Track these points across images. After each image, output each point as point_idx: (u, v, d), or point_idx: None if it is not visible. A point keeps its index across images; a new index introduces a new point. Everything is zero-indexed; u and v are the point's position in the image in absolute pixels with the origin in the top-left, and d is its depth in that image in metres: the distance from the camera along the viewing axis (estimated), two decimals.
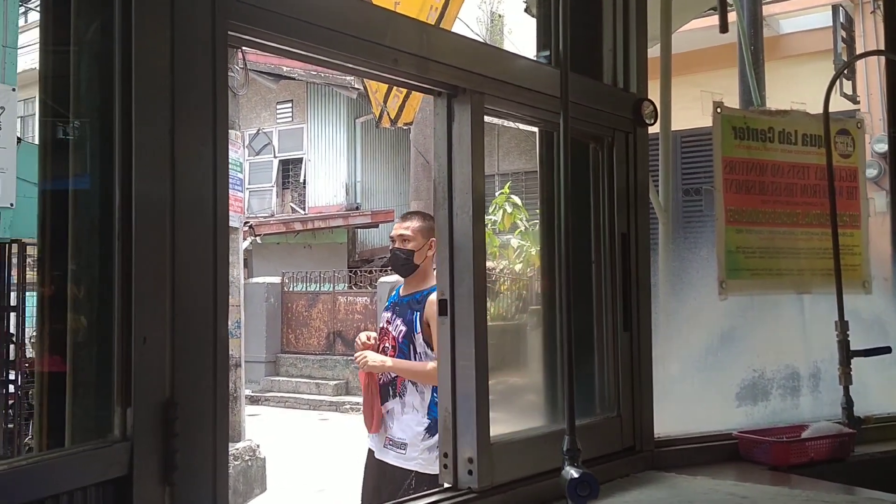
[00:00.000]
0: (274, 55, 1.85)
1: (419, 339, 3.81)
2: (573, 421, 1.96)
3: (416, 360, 3.82)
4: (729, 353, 2.92)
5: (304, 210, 18.34)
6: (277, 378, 15.06)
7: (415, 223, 4.04)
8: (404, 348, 3.84)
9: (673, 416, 2.72)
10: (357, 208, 17.87)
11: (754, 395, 2.93)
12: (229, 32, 1.59)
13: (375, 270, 16.42)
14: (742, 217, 2.90)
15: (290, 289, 15.97)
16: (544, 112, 2.36)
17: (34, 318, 8.00)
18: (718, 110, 2.91)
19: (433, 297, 3.62)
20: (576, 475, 1.84)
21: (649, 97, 2.69)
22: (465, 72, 2.13)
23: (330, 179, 18.22)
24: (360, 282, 15.78)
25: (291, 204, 18.67)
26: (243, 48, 8.52)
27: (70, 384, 1.43)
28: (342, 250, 17.91)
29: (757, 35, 4.91)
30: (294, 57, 1.84)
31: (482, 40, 13.42)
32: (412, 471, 3.75)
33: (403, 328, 3.88)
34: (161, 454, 1.41)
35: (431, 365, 3.66)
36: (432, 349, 3.67)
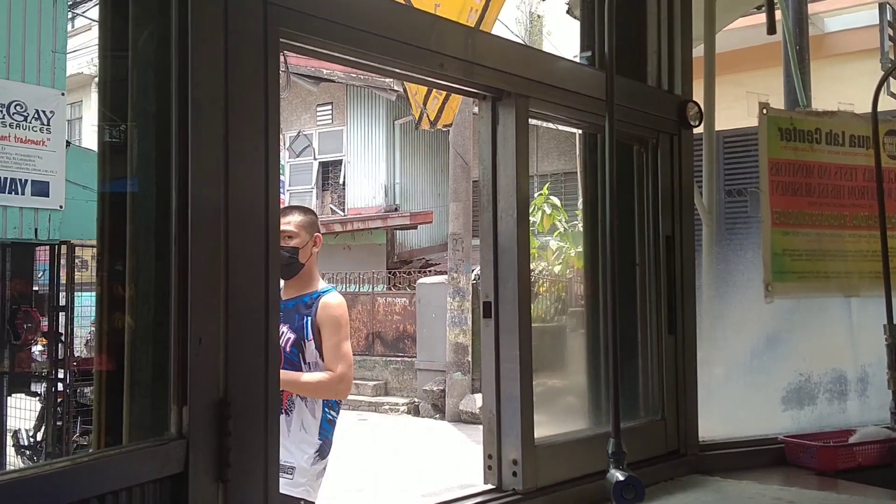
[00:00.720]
0: (322, 60, 1.87)
1: (310, 347, 3.38)
2: (618, 424, 1.96)
3: (306, 370, 3.38)
4: (774, 357, 2.89)
5: (344, 212, 18.46)
6: None
7: (296, 217, 3.49)
8: (293, 358, 3.37)
9: (717, 420, 2.70)
10: (396, 210, 17.94)
11: (800, 399, 2.89)
12: (280, 39, 1.62)
13: (414, 272, 16.47)
14: (788, 219, 2.87)
15: None
16: (588, 114, 2.36)
17: (83, 318, 8.17)
18: (764, 111, 2.88)
19: (326, 298, 3.40)
20: (621, 478, 1.84)
21: (693, 98, 2.68)
22: (509, 75, 2.14)
23: (369, 181, 18.32)
24: (399, 283, 15.83)
25: (331, 205, 18.81)
26: (284, 51, 8.61)
27: (127, 383, 1.47)
28: (381, 251, 17.99)
29: (802, 34, 4.85)
30: (342, 62, 1.86)
31: (522, 42, 13.39)
32: (300, 499, 3.39)
33: (292, 336, 3.39)
34: (215, 452, 1.44)
35: (321, 376, 3.32)
36: (323, 359, 3.35)
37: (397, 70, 1.99)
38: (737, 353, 2.87)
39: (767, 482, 2.48)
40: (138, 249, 1.51)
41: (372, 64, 1.91)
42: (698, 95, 2.79)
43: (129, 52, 1.52)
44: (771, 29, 3.00)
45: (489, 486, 2.12)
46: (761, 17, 3.41)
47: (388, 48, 1.87)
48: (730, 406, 2.81)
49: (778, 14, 4.18)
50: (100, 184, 1.53)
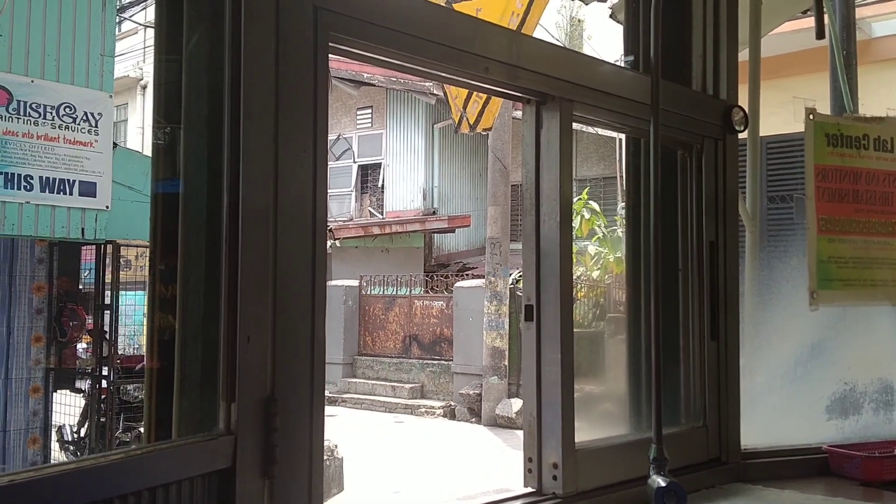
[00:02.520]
0: (370, 63, 1.90)
1: None
2: (660, 430, 1.95)
3: None
4: (819, 365, 2.85)
5: (382, 214, 18.55)
6: (354, 380, 15.26)
7: None
8: None
9: (760, 428, 2.67)
10: (434, 213, 17.99)
11: (845, 408, 2.85)
12: (329, 43, 1.65)
13: (451, 275, 16.48)
14: (835, 226, 2.83)
15: (368, 292, 16.16)
16: (632, 118, 2.36)
17: (127, 317, 8.31)
18: (811, 116, 2.84)
19: None
20: (663, 484, 1.84)
21: (738, 103, 2.66)
22: (554, 79, 2.14)
23: (408, 184, 18.39)
24: (437, 286, 15.86)
25: (370, 208, 18.92)
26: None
27: (177, 379, 1.50)
28: (419, 254, 18.04)
29: (849, 38, 4.77)
30: (389, 66, 1.88)
31: (576, 50, 13.36)
32: None
33: None
34: (262, 448, 1.47)
35: None
36: None
37: (443, 74, 2.00)
38: (780, 360, 2.84)
39: (810, 492, 2.45)
40: (189, 248, 1.54)
41: (418, 67, 1.93)
42: (743, 100, 2.77)
43: (182, 56, 1.55)
44: (820, 33, 2.96)
45: (529, 490, 2.12)
46: (804, 22, 3.38)
47: (434, 52, 1.89)
48: (772, 414, 2.77)
49: (825, 19, 4.13)
50: (153, 184, 1.57)
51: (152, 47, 1.62)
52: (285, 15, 1.55)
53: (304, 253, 1.57)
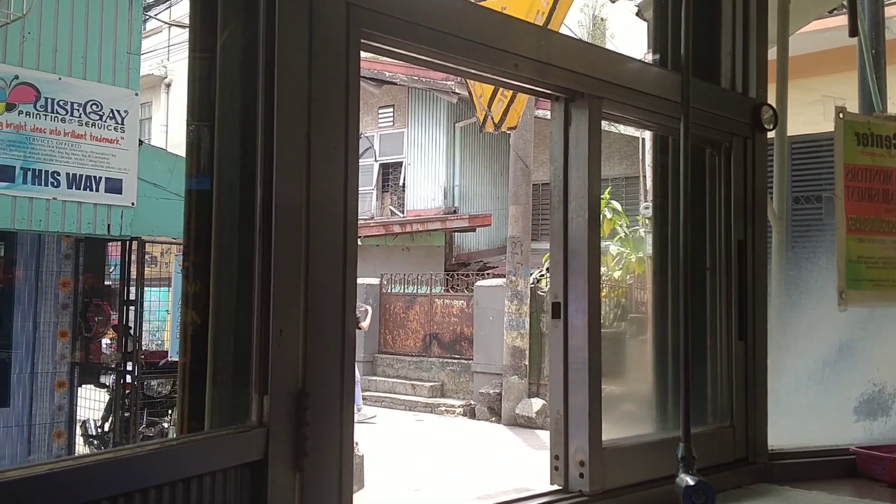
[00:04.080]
0: (400, 60, 1.90)
1: None
2: (688, 428, 1.95)
3: None
4: (847, 366, 2.83)
5: (403, 213, 18.59)
6: (374, 378, 15.31)
7: None
8: None
9: (787, 429, 2.65)
10: (455, 212, 17.99)
11: (873, 409, 2.82)
12: (361, 39, 1.65)
13: (472, 274, 16.48)
14: (864, 226, 2.80)
15: (389, 290, 16.21)
16: (661, 116, 2.35)
17: (151, 313, 8.37)
18: (841, 115, 2.82)
19: None
20: (691, 483, 1.83)
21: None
22: (583, 76, 2.14)
23: (429, 183, 18.41)
24: (457, 285, 15.87)
25: (391, 207, 18.96)
26: None
27: (210, 372, 1.52)
28: (439, 253, 18.06)
29: (878, 37, 4.72)
30: (419, 63, 1.89)
31: (591, 43, 13.30)
32: None
33: None
34: (293, 441, 1.48)
35: None
36: None
37: (473, 70, 2.00)
38: (808, 360, 2.82)
39: (838, 493, 2.43)
40: (222, 244, 1.56)
41: (448, 64, 1.93)
42: (771, 99, 2.75)
43: (216, 52, 1.57)
44: (853, 31, 2.94)
45: (555, 487, 2.12)
46: (829, 22, 3.35)
47: (464, 48, 1.89)
48: (800, 415, 2.76)
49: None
50: (187, 181, 1.58)
51: (185, 44, 1.63)
52: (318, 12, 1.55)
53: (335, 248, 1.58)
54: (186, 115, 1.59)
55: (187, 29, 1.61)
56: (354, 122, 1.63)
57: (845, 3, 4.70)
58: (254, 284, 1.48)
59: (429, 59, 1.88)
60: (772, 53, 3.14)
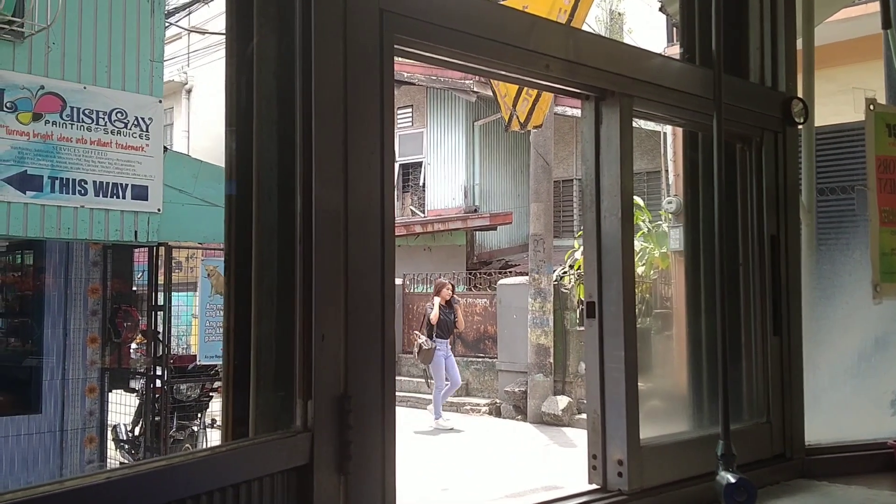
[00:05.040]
0: (433, 64, 1.91)
1: None
2: (728, 425, 1.94)
3: None
4: (884, 359, 2.81)
5: (424, 213, 18.61)
6: (399, 378, 15.33)
7: None
8: None
9: (824, 424, 2.63)
10: (475, 211, 17.99)
11: None
12: (395, 45, 1.66)
13: (494, 272, 16.48)
14: None
15: (411, 290, 16.23)
16: (691, 112, 2.34)
17: (179, 318, 8.44)
18: (872, 107, 2.80)
19: None
20: (733, 480, 1.83)
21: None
22: (613, 74, 2.14)
23: (449, 182, 18.42)
24: (479, 283, 15.87)
25: (411, 207, 18.99)
26: None
27: (253, 378, 1.53)
28: (461, 252, 18.07)
29: None
30: (452, 66, 1.90)
31: (619, 41, 13.26)
32: None
33: None
34: (337, 445, 1.49)
35: None
36: None
37: (503, 72, 2.01)
38: (843, 355, 2.80)
39: (878, 487, 2.41)
40: (263, 250, 1.57)
41: (479, 67, 1.94)
42: (798, 92, 2.73)
43: (254, 60, 1.58)
44: (886, 23, 2.91)
45: (594, 486, 2.12)
46: (853, 11, 3.31)
47: (495, 50, 1.89)
48: (837, 409, 2.74)
49: (877, 6, 4.04)
50: (227, 186, 1.60)
51: (205, 50, 1.65)
52: (352, 18, 1.57)
53: (373, 253, 1.59)
54: (225, 121, 1.60)
55: (210, 34, 1.62)
56: (390, 127, 1.64)
57: None
58: (295, 290, 1.50)
59: (461, 62, 1.89)
60: (798, 45, 3.12)
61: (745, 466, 2.31)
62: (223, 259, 1.63)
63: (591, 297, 2.18)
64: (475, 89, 15.91)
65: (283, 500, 1.42)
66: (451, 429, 11.94)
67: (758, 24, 2.65)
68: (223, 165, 1.64)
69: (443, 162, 18.52)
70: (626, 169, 2.16)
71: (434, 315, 12.36)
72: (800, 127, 2.79)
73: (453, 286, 13.08)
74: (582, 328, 10.33)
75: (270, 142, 1.59)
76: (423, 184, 18.85)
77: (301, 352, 1.46)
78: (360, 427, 1.53)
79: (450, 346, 12.74)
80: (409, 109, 18.93)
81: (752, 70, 2.65)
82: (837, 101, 4.73)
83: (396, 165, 18.99)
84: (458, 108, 18.18)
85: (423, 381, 15.00)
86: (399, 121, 19.08)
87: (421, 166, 18.89)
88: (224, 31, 1.65)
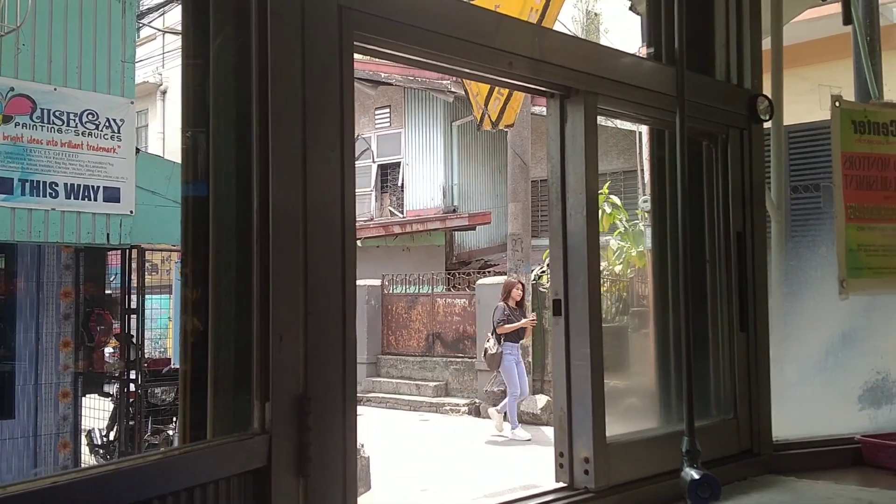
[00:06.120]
0: (394, 61, 1.90)
1: None
2: (692, 422, 1.95)
3: None
4: (850, 355, 2.82)
5: (403, 213, 18.58)
6: (378, 379, 15.30)
7: None
8: None
9: (791, 419, 2.65)
10: (454, 211, 17.98)
11: (878, 397, 2.82)
12: (354, 42, 1.65)
13: (473, 272, 16.48)
14: (863, 214, 2.79)
15: (390, 291, 16.20)
16: (657, 110, 2.34)
17: (153, 321, 8.37)
18: (837, 104, 2.81)
19: None
20: (697, 476, 1.83)
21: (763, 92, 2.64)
22: (578, 72, 2.14)
23: (427, 183, 18.40)
24: (459, 284, 15.86)
25: (390, 208, 18.95)
26: None
27: (211, 380, 1.51)
28: (440, 252, 18.05)
29: (873, 24, 4.71)
30: (414, 64, 1.89)
31: (585, 39, 13.29)
32: None
33: None
34: (296, 447, 1.47)
35: None
36: None
37: (467, 70, 2.00)
38: (811, 350, 2.81)
39: (845, 482, 2.42)
40: (220, 251, 1.55)
41: (442, 64, 1.93)
42: (766, 89, 2.75)
43: (210, 59, 1.56)
44: (846, 19, 2.94)
45: (561, 484, 2.12)
46: (826, 10, 3.35)
47: (457, 48, 1.89)
48: (804, 405, 2.75)
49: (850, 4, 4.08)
50: (183, 188, 1.58)
51: (179, 51, 1.63)
52: (310, 15, 1.55)
53: (333, 251, 1.57)
54: (181, 122, 1.58)
55: (180, 36, 1.61)
56: (350, 124, 1.63)
57: None
58: (253, 291, 1.48)
59: (423, 59, 1.88)
60: (766, 43, 3.14)
61: (712, 462, 2.32)
62: (181, 260, 1.61)
63: (558, 295, 2.18)
64: (452, 89, 15.90)
65: (241, 502, 1.40)
66: (529, 440, 10.97)
67: (723, 21, 2.66)
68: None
69: (421, 162, 18.50)
70: (590, 167, 2.16)
71: (502, 323, 11.17)
72: (768, 125, 2.81)
73: (523, 285, 11.98)
74: None
75: (228, 141, 1.58)
76: (402, 184, 18.82)
77: (258, 353, 1.45)
78: (321, 428, 1.51)
79: (520, 351, 11.58)
80: (387, 110, 18.89)
81: (718, 67, 2.66)
82: (811, 100, 4.77)
83: (375, 166, 18.99)
84: (436, 109, 18.17)
85: (403, 381, 14.99)
86: (377, 121, 19.04)
87: (399, 166, 18.86)
88: (180, 30, 1.63)
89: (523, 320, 11.43)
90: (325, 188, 1.57)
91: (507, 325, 11.02)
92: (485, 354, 11.52)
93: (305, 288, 1.51)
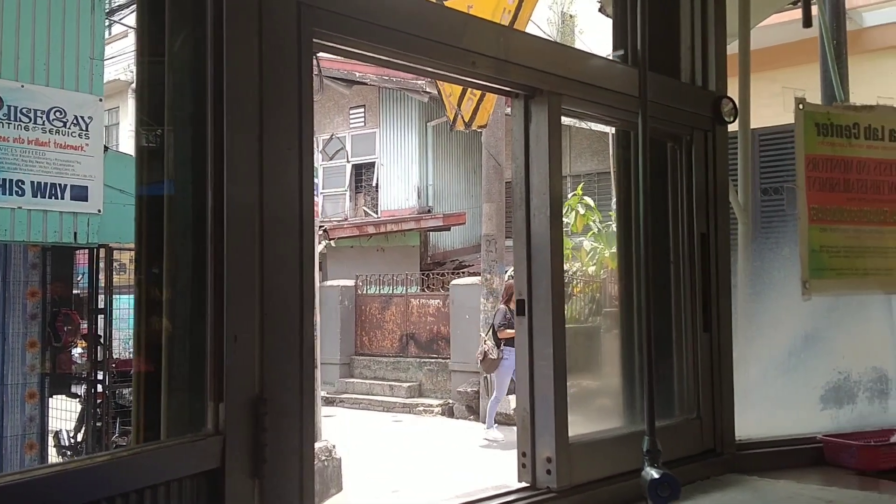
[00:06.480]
0: (355, 59, 1.89)
1: None
2: (653, 422, 1.95)
3: None
4: (813, 355, 2.85)
5: (377, 214, 18.53)
6: (352, 380, 15.25)
7: None
8: None
9: (754, 419, 2.67)
10: (429, 211, 17.96)
11: (839, 398, 2.85)
12: (314, 40, 1.64)
13: (447, 273, 16.47)
14: (826, 215, 2.82)
15: (364, 291, 16.15)
16: (621, 112, 2.35)
17: (122, 321, 8.30)
18: (801, 106, 2.84)
19: None
20: (656, 476, 1.84)
21: (728, 94, 2.65)
22: (542, 73, 2.14)
23: (402, 183, 18.37)
24: (433, 284, 15.85)
25: (364, 208, 18.89)
26: (317, 54, 8.69)
27: (165, 381, 1.49)
28: (414, 253, 18.02)
29: (839, 28, 4.76)
30: (375, 62, 1.88)
31: (554, 40, 13.33)
32: None
33: None
34: (251, 448, 1.46)
35: None
36: None
37: (429, 69, 1.99)
38: (774, 351, 2.84)
39: (806, 482, 2.44)
40: (175, 250, 1.53)
41: (404, 63, 1.92)
42: (733, 92, 2.76)
43: (165, 57, 1.54)
44: (807, 22, 2.97)
45: (523, 484, 2.12)
46: (797, 13, 3.38)
47: (420, 47, 1.88)
48: (767, 405, 2.77)
49: (815, 9, 4.13)
50: (137, 187, 1.56)
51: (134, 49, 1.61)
52: (268, 11, 1.54)
53: (291, 251, 1.56)
54: (136, 120, 1.56)
55: (135, 33, 1.58)
56: (309, 122, 1.61)
57: None
58: (208, 290, 1.46)
59: (385, 57, 1.87)
60: (735, 47, 3.16)
61: (675, 462, 2.34)
62: (135, 260, 1.59)
63: (521, 295, 2.18)
64: (427, 90, 15.88)
65: None
66: (503, 439, 10.90)
67: (689, 24, 2.67)
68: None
69: (396, 162, 18.47)
70: (554, 167, 2.15)
71: (503, 327, 10.92)
72: (734, 127, 2.83)
73: None
74: None
75: (184, 139, 1.56)
76: (377, 184, 18.77)
77: (212, 353, 1.43)
78: (277, 429, 1.50)
79: None
80: (362, 110, 18.83)
81: (684, 70, 2.67)
82: (782, 103, 4.81)
83: (349, 166, 18.92)
84: (412, 109, 18.14)
85: (376, 382, 14.94)
86: (351, 121, 18.97)
87: (374, 166, 18.81)
88: (136, 26, 1.61)
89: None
90: (282, 187, 1.55)
91: (508, 331, 10.89)
92: (483, 358, 11.36)
93: (262, 288, 1.49)
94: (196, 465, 1.38)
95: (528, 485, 2.11)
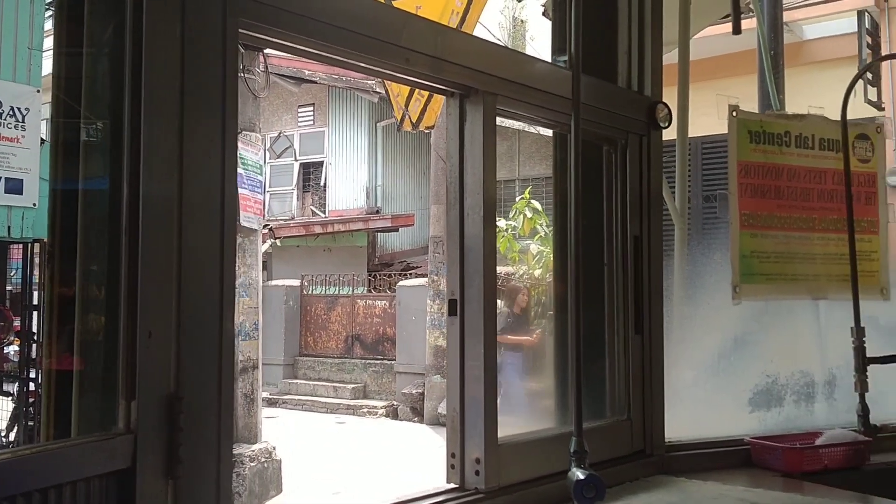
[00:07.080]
0: (284, 52, 1.86)
1: None
2: (580, 422, 1.95)
3: None
4: (742, 359, 2.90)
5: (325, 213, 18.39)
6: (295, 381, 15.10)
7: None
8: None
9: (684, 421, 2.70)
10: (377, 212, 17.90)
11: (768, 401, 2.90)
12: (240, 30, 1.60)
13: (395, 274, 16.42)
14: (757, 221, 2.87)
15: (310, 292, 16.01)
16: (557, 114, 2.35)
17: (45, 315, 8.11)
18: (734, 114, 2.89)
19: None
20: (582, 476, 1.84)
21: (667, 101, 2.68)
22: (478, 72, 2.13)
23: (350, 183, 18.27)
24: (380, 285, 15.79)
25: (312, 207, 18.74)
26: (265, 51, 8.59)
27: (77, 377, 1.45)
28: (362, 254, 17.93)
29: (777, 39, 4.87)
30: (306, 55, 1.85)
31: (502, 44, 13.37)
32: None
33: None
34: (165, 448, 1.42)
35: None
36: None
37: (364, 65, 1.97)
38: (705, 354, 2.87)
39: (732, 483, 2.48)
40: (91, 246, 1.49)
41: (338, 58, 1.89)
42: (672, 98, 2.80)
43: (83, 46, 1.50)
44: (736, 30, 3.02)
45: (452, 485, 2.11)
46: (745, 24, 3.42)
47: (354, 42, 1.85)
48: (697, 407, 2.81)
49: (753, 20, 4.21)
50: (52, 180, 1.51)
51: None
52: (191, 1, 1.50)
53: (211, 247, 1.52)
54: (51, 111, 1.51)
55: (52, 21, 1.53)
56: (233, 115, 1.58)
57: (751, 6, 4.84)
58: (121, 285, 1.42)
59: (316, 51, 1.84)
60: (675, 55, 3.20)
61: (604, 463, 2.35)
62: (47, 253, 1.54)
63: (454, 294, 2.17)
64: (377, 90, 15.82)
65: None
66: None
67: (626, 30, 2.70)
68: None
69: (345, 162, 18.36)
70: (489, 168, 2.15)
71: (503, 332, 10.24)
72: (672, 133, 2.86)
73: (529, 290, 11.51)
74: None
75: (102, 131, 1.51)
76: (325, 183, 18.63)
77: (124, 349, 1.39)
78: (193, 429, 1.46)
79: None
80: (311, 108, 18.69)
81: (621, 75, 2.69)
82: (716, 110, 4.90)
83: (297, 164, 18.75)
84: (361, 109, 18.05)
85: (320, 383, 14.82)
86: (300, 119, 18.81)
87: (322, 166, 18.67)
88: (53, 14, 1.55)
89: (525, 338, 11.05)
90: (204, 182, 1.51)
91: (508, 337, 10.77)
92: None
93: (179, 283, 1.45)
94: (105, 464, 1.34)
95: (456, 486, 2.10)
